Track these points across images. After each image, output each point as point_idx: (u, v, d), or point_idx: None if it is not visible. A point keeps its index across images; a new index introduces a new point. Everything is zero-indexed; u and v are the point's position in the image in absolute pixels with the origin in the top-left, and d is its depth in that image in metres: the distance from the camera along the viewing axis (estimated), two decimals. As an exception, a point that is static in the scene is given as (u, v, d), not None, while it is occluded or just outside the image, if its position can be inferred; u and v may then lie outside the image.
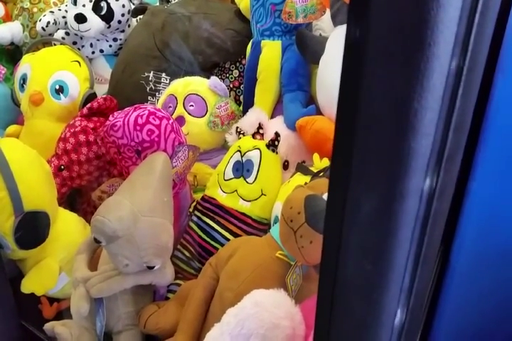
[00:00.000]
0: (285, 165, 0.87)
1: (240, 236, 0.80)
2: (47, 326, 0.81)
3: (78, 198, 1.10)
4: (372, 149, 0.29)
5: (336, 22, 0.87)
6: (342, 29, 0.84)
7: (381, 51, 0.27)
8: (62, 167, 0.99)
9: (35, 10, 1.33)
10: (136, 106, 0.87)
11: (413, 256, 0.31)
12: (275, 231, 0.66)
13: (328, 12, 0.91)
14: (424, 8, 0.25)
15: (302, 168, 0.77)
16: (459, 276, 0.89)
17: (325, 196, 0.59)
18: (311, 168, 0.77)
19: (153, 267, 0.71)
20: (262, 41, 0.98)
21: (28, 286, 0.84)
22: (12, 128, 1.13)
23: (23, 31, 1.36)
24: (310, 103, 0.92)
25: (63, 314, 0.90)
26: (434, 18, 0.25)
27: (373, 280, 0.31)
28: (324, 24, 0.98)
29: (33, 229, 0.83)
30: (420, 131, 0.27)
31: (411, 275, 0.32)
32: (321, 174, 0.67)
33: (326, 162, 0.76)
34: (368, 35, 0.27)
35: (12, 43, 1.38)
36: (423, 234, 0.30)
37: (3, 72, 1.22)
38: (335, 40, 0.85)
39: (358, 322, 0.34)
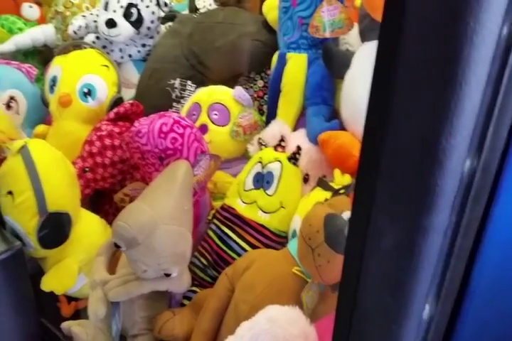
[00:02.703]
0: (305, 179, 0.87)
1: (257, 247, 0.81)
2: (64, 325, 0.83)
3: (101, 199, 1.12)
4: (398, 183, 0.29)
5: (363, 37, 0.87)
6: (370, 45, 0.84)
7: (412, 86, 0.27)
8: (87, 169, 1.01)
9: (68, 13, 1.37)
10: (161, 113, 0.88)
11: (434, 291, 0.31)
12: (293, 246, 0.66)
13: (356, 27, 0.91)
14: (457, 47, 0.25)
15: (323, 183, 0.77)
16: (478, 301, 0.87)
17: (344, 214, 0.59)
18: (332, 184, 0.77)
19: (171, 274, 0.73)
20: (288, 53, 0.99)
21: (47, 285, 0.86)
22: (40, 128, 1.16)
23: (56, 34, 1.40)
24: (333, 117, 0.92)
25: (81, 313, 0.92)
26: (466, 57, 0.25)
27: (392, 313, 0.31)
28: (352, 39, 0.98)
29: (55, 229, 0.85)
30: (447, 169, 0.27)
31: (431, 310, 0.32)
32: (342, 191, 0.67)
33: (347, 178, 0.76)
34: (399, 68, 0.27)
35: (45, 45, 1.42)
36: (445, 270, 0.30)
37: (34, 72, 1.25)
38: (362, 55, 0.85)
39: (374, 351, 0.34)
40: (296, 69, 0.96)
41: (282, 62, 1.00)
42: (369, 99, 0.29)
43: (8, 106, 1.17)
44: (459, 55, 0.26)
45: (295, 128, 0.98)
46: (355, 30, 0.91)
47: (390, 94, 0.28)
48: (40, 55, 1.45)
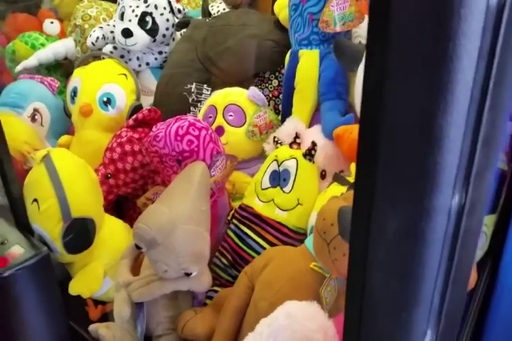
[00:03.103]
0: (322, 175, 0.87)
1: (276, 245, 0.81)
2: (91, 327, 0.84)
3: (124, 205, 1.14)
4: (396, 165, 0.28)
5: (374, 29, 0.86)
6: (381, 36, 0.82)
7: (403, 64, 0.27)
8: (109, 175, 1.04)
9: (86, 26, 1.42)
10: (177, 117, 0.90)
11: (443, 276, 0.30)
12: (310, 241, 0.66)
13: (366, 19, 0.90)
14: (445, 20, 0.25)
15: (339, 178, 0.76)
16: (508, 292, 0.84)
17: (360, 207, 0.58)
18: (348, 178, 0.76)
19: (191, 274, 0.73)
20: (300, 51, 0.98)
21: (75, 288, 0.88)
22: (64, 138, 1.20)
23: (76, 46, 1.45)
24: (349, 112, 0.91)
25: (108, 316, 0.94)
26: (455, 31, 0.25)
27: (401, 300, 0.30)
28: (363, 31, 0.97)
29: (80, 234, 0.87)
30: (445, 146, 0.26)
31: (441, 295, 0.31)
32: (357, 184, 0.65)
33: (363, 172, 0.75)
34: (389, 49, 0.27)
35: (66, 58, 1.47)
36: (452, 253, 0.29)
37: (56, 85, 1.30)
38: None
39: None
40: (308, 65, 0.96)
41: (295, 59, 1.00)
42: (363, 81, 0.29)
43: (33, 119, 1.22)
44: (448, 28, 0.25)
45: (311, 125, 0.97)
46: (367, 23, 0.90)
47: (382, 74, 0.27)
48: (62, 68, 1.51)
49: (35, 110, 1.22)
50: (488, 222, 0.79)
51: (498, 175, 0.76)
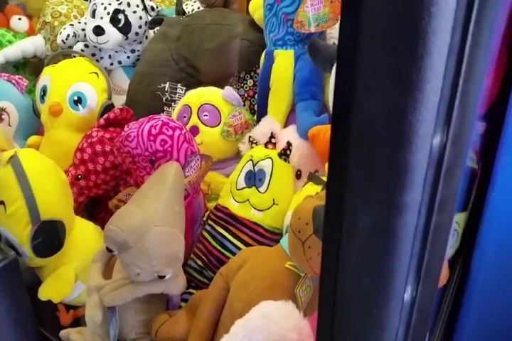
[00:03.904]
0: (298, 175, 0.87)
1: (252, 245, 0.80)
2: (62, 333, 0.82)
3: (96, 207, 1.12)
4: (367, 162, 0.28)
5: (348, 30, 0.87)
6: (354, 37, 0.83)
7: (372, 62, 0.27)
8: (80, 176, 1.01)
9: (56, 23, 1.38)
10: (150, 116, 0.88)
11: (414, 271, 0.30)
12: (285, 241, 0.66)
13: (340, 20, 0.90)
14: (415, 18, 0.25)
15: (314, 178, 0.76)
16: (479, 287, 0.86)
17: (334, 206, 0.58)
18: (323, 178, 0.76)
19: (165, 276, 0.72)
20: (275, 51, 0.98)
21: (45, 293, 0.85)
22: (33, 138, 1.16)
23: (45, 44, 1.41)
24: (323, 112, 0.92)
25: (80, 321, 0.92)
26: (425, 28, 0.25)
27: (373, 296, 0.31)
28: (338, 32, 0.98)
29: (49, 237, 0.84)
30: (415, 143, 0.26)
31: (412, 290, 0.31)
32: (332, 184, 0.66)
33: (337, 171, 0.75)
34: (358, 47, 0.27)
35: (35, 56, 1.43)
36: (423, 249, 0.30)
37: (25, 84, 1.25)
38: (347, 48, 0.84)
39: (359, 339, 0.33)
40: (284, 65, 0.96)
41: (270, 59, 1.00)
42: (335, 77, 0.29)
43: (0, 118, 1.18)
44: (418, 25, 0.25)
45: (286, 125, 0.97)
46: (340, 24, 0.91)
47: (353, 71, 0.27)
48: (31, 66, 1.46)
49: (2, 109, 1.18)
50: (459, 219, 0.80)
51: (469, 173, 0.78)
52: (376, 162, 0.27)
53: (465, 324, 0.87)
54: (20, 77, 1.26)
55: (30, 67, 1.46)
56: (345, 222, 0.30)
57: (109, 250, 0.71)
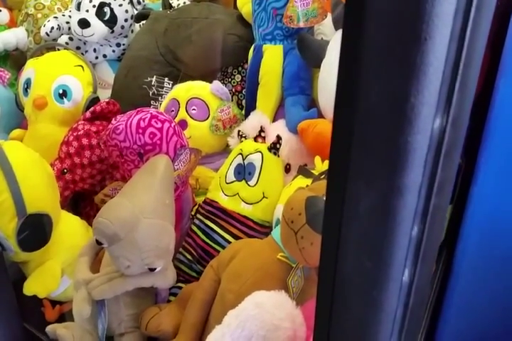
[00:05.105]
0: (287, 169, 0.87)
1: (242, 238, 0.80)
2: (49, 328, 0.81)
3: (81, 202, 1.10)
4: (369, 144, 0.29)
5: (337, 26, 0.88)
6: (343, 32, 0.84)
7: (376, 46, 0.27)
8: (65, 170, 1.00)
9: (39, 16, 1.35)
10: (138, 109, 0.88)
11: (412, 253, 0.31)
12: (276, 233, 0.66)
13: (329, 16, 0.91)
14: (420, 3, 0.26)
15: (304, 171, 0.77)
16: (462, 280, 0.89)
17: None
18: (313, 171, 0.77)
19: (155, 269, 0.71)
20: (264, 45, 0.99)
21: (30, 288, 0.84)
22: (16, 132, 1.14)
23: (28, 37, 1.38)
24: (312, 106, 0.93)
25: (66, 316, 0.90)
26: (429, 12, 0.25)
27: (373, 278, 0.31)
28: (326, 28, 0.99)
29: (35, 231, 0.83)
30: (417, 125, 0.27)
31: (410, 272, 0.32)
32: (323, 176, 0.66)
33: (327, 165, 0.76)
34: (363, 30, 0.27)
35: (17, 49, 1.40)
36: (422, 230, 0.30)
37: (7, 76, 1.23)
38: (336, 43, 0.85)
39: (357, 320, 0.33)
40: (272, 60, 0.97)
41: (259, 54, 1.00)
42: (339, 60, 0.29)
43: (-19, 111, 1.15)
44: (422, 9, 0.26)
45: (275, 119, 0.98)
46: (329, 20, 0.92)
47: (357, 54, 0.28)
48: (12, 59, 1.43)
49: (-17, 103, 1.15)
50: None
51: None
52: (379, 143, 0.28)
53: (448, 316, 0.89)
54: (2, 69, 1.24)
55: (11, 59, 1.43)
56: (347, 203, 0.30)
57: (98, 243, 0.70)
